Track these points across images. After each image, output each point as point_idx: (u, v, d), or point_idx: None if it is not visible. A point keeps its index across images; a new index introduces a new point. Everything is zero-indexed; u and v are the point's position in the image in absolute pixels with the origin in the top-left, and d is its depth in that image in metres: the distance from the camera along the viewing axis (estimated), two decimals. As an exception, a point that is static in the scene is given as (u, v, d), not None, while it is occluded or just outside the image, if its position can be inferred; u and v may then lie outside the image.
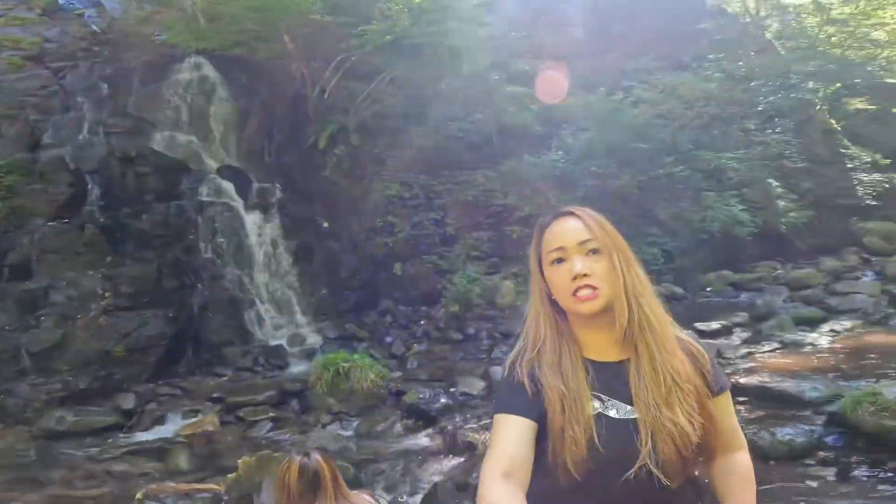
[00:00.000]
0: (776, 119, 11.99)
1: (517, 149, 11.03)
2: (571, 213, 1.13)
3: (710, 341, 6.10)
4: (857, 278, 9.35)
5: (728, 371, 4.50)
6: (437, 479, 3.85)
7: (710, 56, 12.38)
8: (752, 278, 9.85)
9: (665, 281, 9.59)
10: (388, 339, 8.08)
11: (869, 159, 12.78)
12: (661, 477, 0.97)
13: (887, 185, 12.12)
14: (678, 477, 1.00)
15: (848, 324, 6.40)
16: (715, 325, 6.57)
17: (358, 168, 10.33)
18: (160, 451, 5.01)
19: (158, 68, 9.19)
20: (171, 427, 5.62)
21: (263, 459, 4.21)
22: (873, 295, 7.84)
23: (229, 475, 4.03)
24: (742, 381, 4.28)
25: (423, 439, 4.73)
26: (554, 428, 1.00)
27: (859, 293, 7.94)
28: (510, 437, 0.99)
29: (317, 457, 2.16)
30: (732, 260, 10.58)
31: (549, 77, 11.01)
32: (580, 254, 1.07)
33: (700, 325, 6.50)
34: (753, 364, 4.89)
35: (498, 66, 10.76)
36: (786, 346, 5.63)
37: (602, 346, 1.09)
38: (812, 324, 6.67)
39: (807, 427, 3.48)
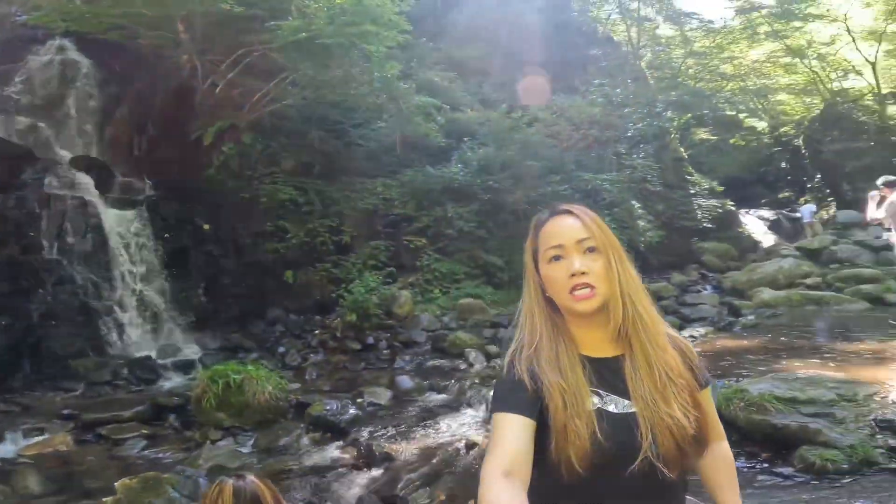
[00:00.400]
0: (641, 145, 13.42)
1: (418, 159, 11.19)
2: (569, 212, 1.14)
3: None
4: (699, 291, 10.98)
5: None
6: (357, 492, 3.74)
7: (596, 81, 13.51)
8: None
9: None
10: (281, 350, 7.67)
11: (707, 186, 15.13)
12: (664, 469, 1.00)
13: (721, 210, 14.50)
14: (678, 469, 1.03)
15: (702, 330, 7.10)
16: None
17: (248, 168, 9.67)
18: (1, 472, 4.29)
19: (16, 49, 7.99)
20: (11, 447, 4.94)
21: (149, 481, 3.75)
22: (715, 305, 9.25)
23: (105, 499, 3.54)
24: None
25: (334, 452, 4.55)
26: (556, 423, 1.01)
27: (704, 304, 9.33)
28: (510, 436, 0.99)
29: (253, 479, 1.98)
30: (603, 273, 11.85)
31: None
32: (578, 252, 1.08)
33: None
34: None
35: (407, 76, 10.70)
36: None
37: (596, 343, 1.11)
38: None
39: None
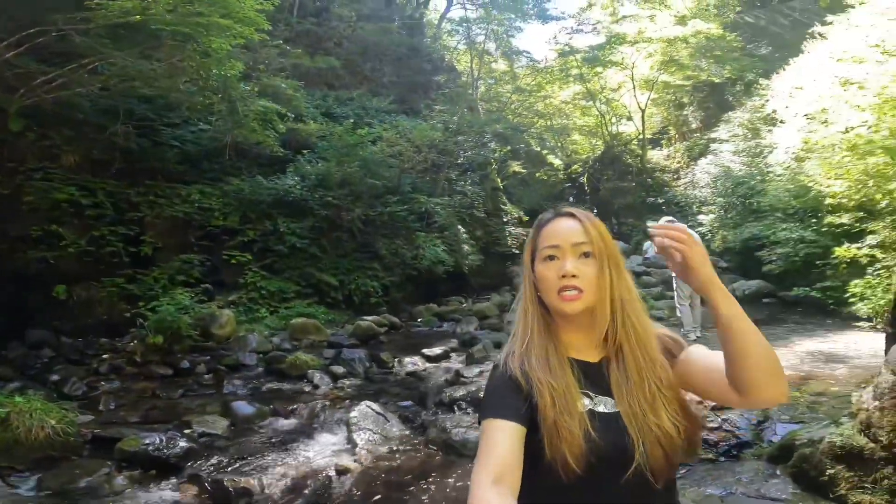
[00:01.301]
0: (469, 172, 14.30)
1: (248, 168, 10.23)
2: (572, 215, 1.15)
3: (436, 364, 7.00)
4: (514, 310, 12.23)
5: (472, 389, 4.95)
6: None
7: (437, 107, 13.97)
8: (450, 310, 11.51)
9: (382, 312, 10.42)
10: (54, 378, 6.06)
11: (517, 215, 17.10)
12: (651, 479, 1.01)
13: (525, 238, 16.51)
14: (665, 478, 1.04)
15: None
16: (437, 349, 7.50)
17: (14, 160, 7.65)
18: None
19: None
20: None
21: None
22: None
23: None
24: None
25: (165, 492, 3.69)
26: (547, 422, 1.01)
27: None
28: (499, 443, 0.98)
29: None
30: (432, 294, 12.29)
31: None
32: (573, 255, 1.09)
33: (426, 351, 7.38)
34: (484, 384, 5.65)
35: (246, 77, 9.51)
36: None
37: (582, 347, 1.13)
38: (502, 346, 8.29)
39: None
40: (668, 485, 1.06)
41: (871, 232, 7.53)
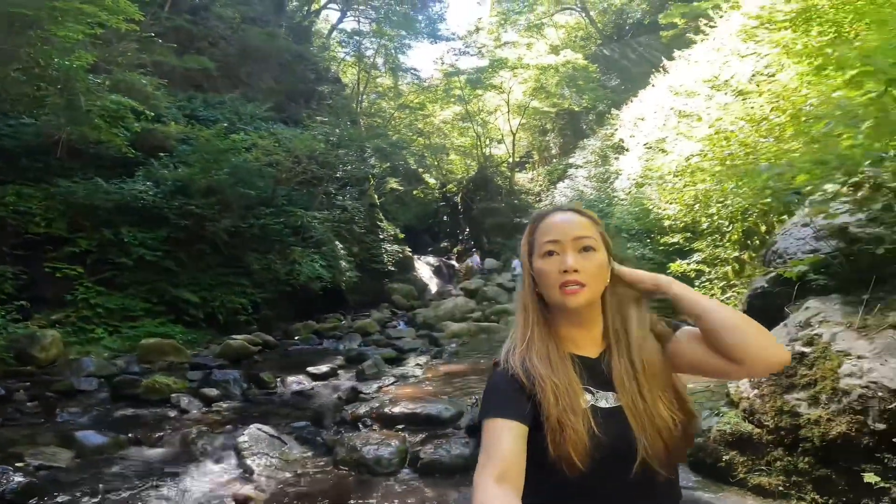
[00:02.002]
0: (348, 187, 13.93)
1: (83, 169, 8.79)
2: (570, 210, 1.14)
3: (324, 382, 6.55)
4: (395, 326, 12.06)
5: (375, 406, 4.78)
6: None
7: (319, 118, 13.33)
8: (329, 327, 10.94)
9: (253, 331, 9.57)
10: None
11: (393, 232, 17.07)
12: (655, 471, 1.01)
13: (402, 255, 16.52)
14: (668, 469, 1.04)
15: (423, 360, 7.31)
16: (323, 367, 7.02)
17: None
18: None
19: None
20: None
21: None
22: (414, 338, 10.00)
23: None
24: (394, 410, 4.54)
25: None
26: (550, 420, 1.00)
27: (405, 337, 10.11)
28: (501, 442, 0.97)
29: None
30: (307, 312, 11.56)
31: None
32: (573, 249, 1.07)
33: (311, 369, 6.88)
34: (391, 397, 5.09)
35: (96, 69, 8.16)
36: (398, 379, 6.07)
37: (582, 342, 1.12)
38: (393, 362, 7.51)
39: (463, 440, 3.91)
40: (671, 477, 1.06)
41: (698, 250, 8.78)
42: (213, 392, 5.76)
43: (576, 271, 1.06)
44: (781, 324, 2.97)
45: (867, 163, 3.25)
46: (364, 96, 19.69)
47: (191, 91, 12.33)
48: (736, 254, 7.63)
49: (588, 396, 1.05)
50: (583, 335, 1.12)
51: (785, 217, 5.90)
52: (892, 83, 3.28)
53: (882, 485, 2.19)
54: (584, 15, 24.75)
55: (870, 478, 2.21)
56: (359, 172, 13.88)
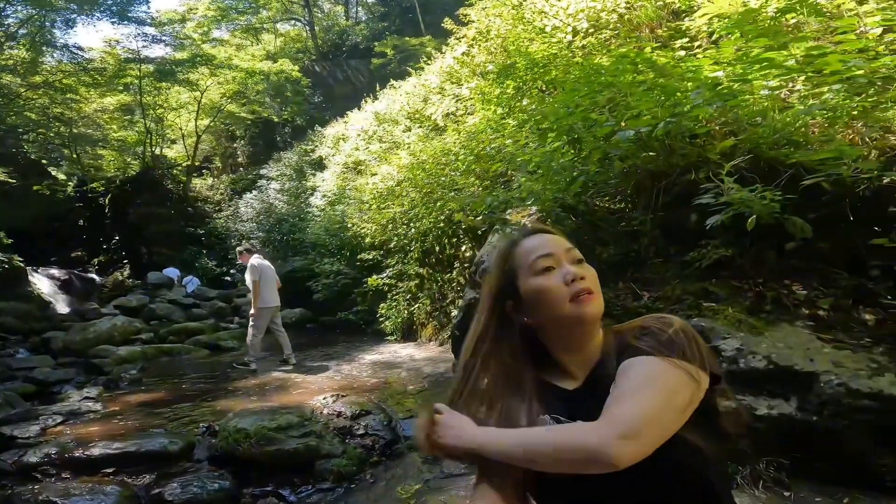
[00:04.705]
0: None
1: None
2: (545, 230, 1.10)
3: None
4: (13, 354, 8.93)
5: (54, 450, 3.89)
6: None
7: None
8: None
9: None
10: None
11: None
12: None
13: (8, 267, 12.13)
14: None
15: (94, 392, 6.11)
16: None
17: None
18: None
19: None
20: None
21: None
22: (55, 367, 7.75)
23: None
24: (93, 452, 3.80)
25: None
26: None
27: (39, 367, 7.54)
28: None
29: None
30: None
31: None
32: (569, 261, 1.03)
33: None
34: (72, 438, 4.16)
35: None
36: (69, 417, 5.00)
37: (571, 367, 1.04)
38: (36, 397, 6.26)
39: (215, 473, 3.54)
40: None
41: (389, 266, 9.64)
42: None
43: (583, 279, 1.00)
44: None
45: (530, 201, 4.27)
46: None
47: None
48: (419, 269, 8.72)
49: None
50: (573, 360, 1.05)
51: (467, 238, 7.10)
52: (573, 141, 4.25)
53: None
54: (308, 28, 24.86)
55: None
56: None
